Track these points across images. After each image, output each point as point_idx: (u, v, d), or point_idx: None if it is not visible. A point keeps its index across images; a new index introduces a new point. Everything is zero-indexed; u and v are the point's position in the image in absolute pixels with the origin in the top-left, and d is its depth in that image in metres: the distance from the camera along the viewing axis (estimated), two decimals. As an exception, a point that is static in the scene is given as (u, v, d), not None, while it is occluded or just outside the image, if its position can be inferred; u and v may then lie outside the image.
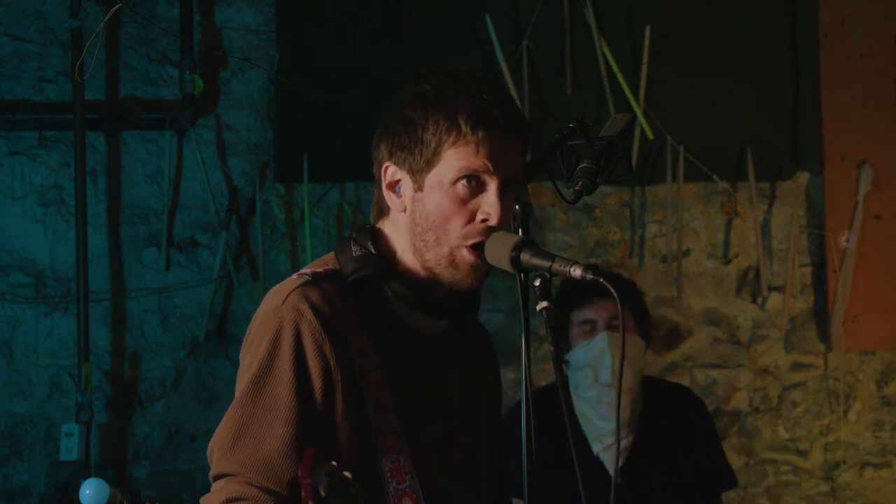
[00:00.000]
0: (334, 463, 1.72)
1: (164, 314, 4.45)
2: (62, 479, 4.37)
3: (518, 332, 4.50)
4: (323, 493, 1.67)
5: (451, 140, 2.09)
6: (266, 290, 4.39)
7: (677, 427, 3.51)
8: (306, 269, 2.18)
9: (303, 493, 1.67)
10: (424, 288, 2.17)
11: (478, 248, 2.11)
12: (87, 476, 4.04)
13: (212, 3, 4.49)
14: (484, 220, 2.11)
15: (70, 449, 4.26)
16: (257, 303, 4.46)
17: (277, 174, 4.48)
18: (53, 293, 4.41)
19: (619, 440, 1.93)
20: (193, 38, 4.42)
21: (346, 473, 1.73)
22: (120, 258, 4.44)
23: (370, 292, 2.16)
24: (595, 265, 4.03)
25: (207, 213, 4.46)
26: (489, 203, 2.10)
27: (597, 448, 3.42)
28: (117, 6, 3.70)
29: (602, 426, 3.41)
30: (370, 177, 4.92)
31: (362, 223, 2.24)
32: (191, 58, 4.38)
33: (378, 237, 2.19)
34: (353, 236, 2.20)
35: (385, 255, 2.17)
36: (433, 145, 2.10)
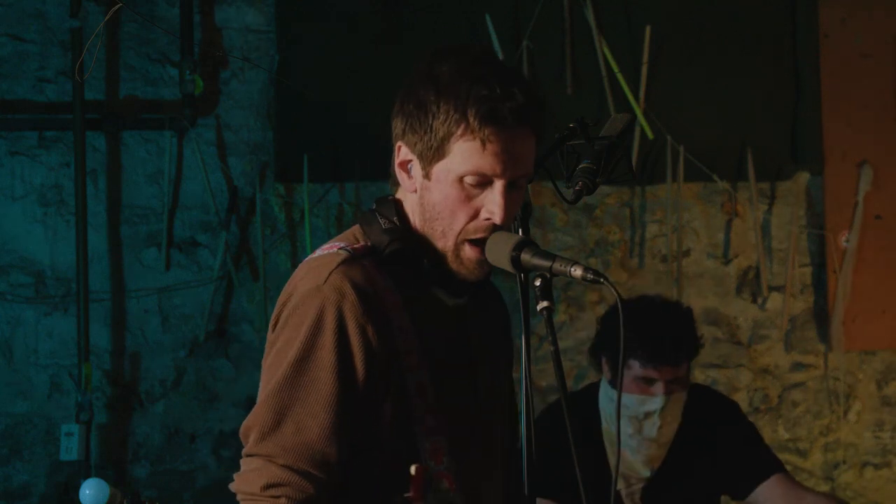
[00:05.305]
0: (445, 484, 1.67)
1: (164, 314, 4.45)
2: (62, 479, 4.37)
3: (518, 332, 4.50)
4: None
5: (459, 132, 2.07)
6: (266, 290, 4.40)
7: (706, 444, 3.48)
8: (339, 242, 2.15)
9: None
10: (445, 262, 2.15)
11: (480, 245, 2.11)
12: (87, 476, 4.04)
13: (212, 3, 4.49)
14: (488, 219, 2.10)
15: (70, 449, 4.26)
16: (257, 303, 4.48)
17: (277, 174, 4.48)
18: (53, 293, 4.41)
19: (618, 450, 1.93)
20: (193, 38, 4.42)
21: (450, 489, 1.71)
22: (120, 258, 4.44)
23: (403, 266, 2.14)
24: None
25: (207, 213, 4.46)
26: (494, 202, 2.08)
27: (620, 484, 3.42)
28: (117, 6, 3.70)
29: (637, 471, 3.41)
30: (370, 176, 4.92)
31: (382, 195, 2.22)
32: (191, 58, 4.38)
33: (401, 209, 2.17)
34: (376, 208, 2.19)
35: (411, 228, 2.16)
36: (441, 135, 2.08)
